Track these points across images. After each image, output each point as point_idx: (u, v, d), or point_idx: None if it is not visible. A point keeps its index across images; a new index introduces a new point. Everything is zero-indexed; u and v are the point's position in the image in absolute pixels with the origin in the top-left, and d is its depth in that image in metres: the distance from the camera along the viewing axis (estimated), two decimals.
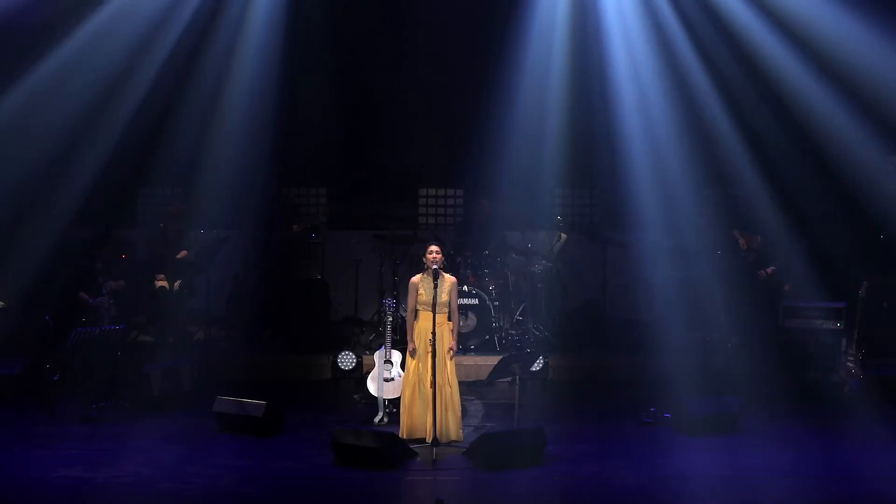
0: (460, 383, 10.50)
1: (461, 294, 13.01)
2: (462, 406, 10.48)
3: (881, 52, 13.32)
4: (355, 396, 12.31)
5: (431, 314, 10.20)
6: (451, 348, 10.26)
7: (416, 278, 10.45)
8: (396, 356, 11.21)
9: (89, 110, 13.88)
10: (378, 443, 9.62)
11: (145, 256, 13.83)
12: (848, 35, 13.35)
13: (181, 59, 14.18)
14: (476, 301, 13.46)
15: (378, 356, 11.31)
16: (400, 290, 13.25)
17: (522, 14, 14.37)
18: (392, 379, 11.14)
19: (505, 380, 12.06)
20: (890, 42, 13.25)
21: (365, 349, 13.39)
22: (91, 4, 13.69)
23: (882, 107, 13.37)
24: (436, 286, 10.24)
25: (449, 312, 10.37)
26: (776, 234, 13.58)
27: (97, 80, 13.85)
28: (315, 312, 14.64)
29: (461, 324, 12.59)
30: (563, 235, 14.36)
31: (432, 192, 16.06)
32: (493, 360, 12.06)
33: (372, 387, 11.29)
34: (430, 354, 10.06)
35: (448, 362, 10.22)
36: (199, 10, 14.12)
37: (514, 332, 13.82)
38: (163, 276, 13.63)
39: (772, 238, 13.54)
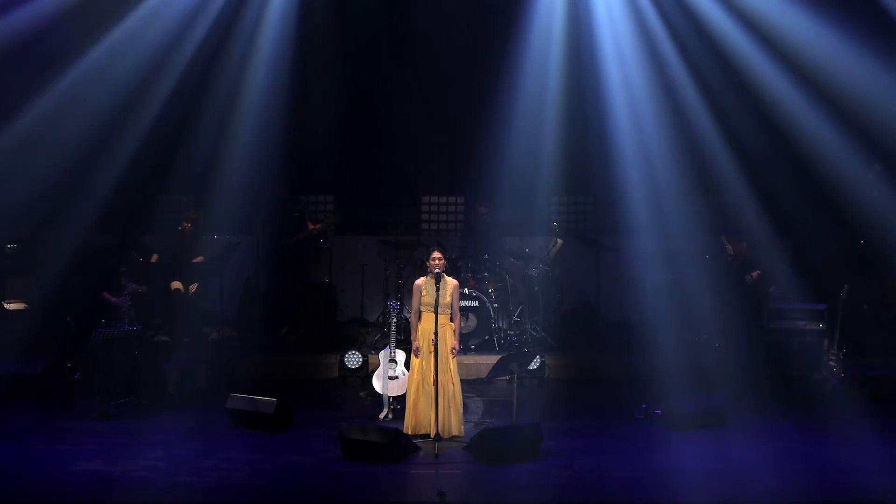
0: (462, 381, 10.49)
1: (462, 296, 13.03)
2: (463, 403, 10.48)
3: (863, 66, 13.35)
4: (361, 394, 12.33)
5: (434, 315, 10.23)
6: (453, 348, 10.28)
7: (419, 281, 10.47)
8: (400, 355, 11.22)
9: (108, 121, 13.91)
10: (383, 438, 9.63)
11: (162, 260, 13.83)
12: (831, 48, 13.38)
13: (196, 72, 14.21)
14: (476, 303, 13.47)
15: (383, 355, 11.31)
16: (404, 293, 13.27)
17: (520, 28, 14.40)
18: (396, 377, 11.15)
19: (504, 378, 12.06)
20: (871, 55, 13.29)
21: (370, 349, 13.40)
22: (109, 18, 13.73)
23: (863, 116, 13.38)
24: (438, 289, 10.25)
25: (451, 314, 10.39)
26: (762, 240, 13.58)
27: (115, 92, 13.90)
28: (323, 314, 14.63)
29: (462, 324, 12.58)
30: (559, 240, 14.37)
31: (434, 199, 16.07)
32: (492, 359, 12.07)
33: (377, 385, 11.29)
34: (432, 354, 10.08)
35: (450, 361, 10.23)
36: (212, 24, 14.15)
37: (512, 332, 13.83)
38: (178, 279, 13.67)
39: (757, 243, 13.54)
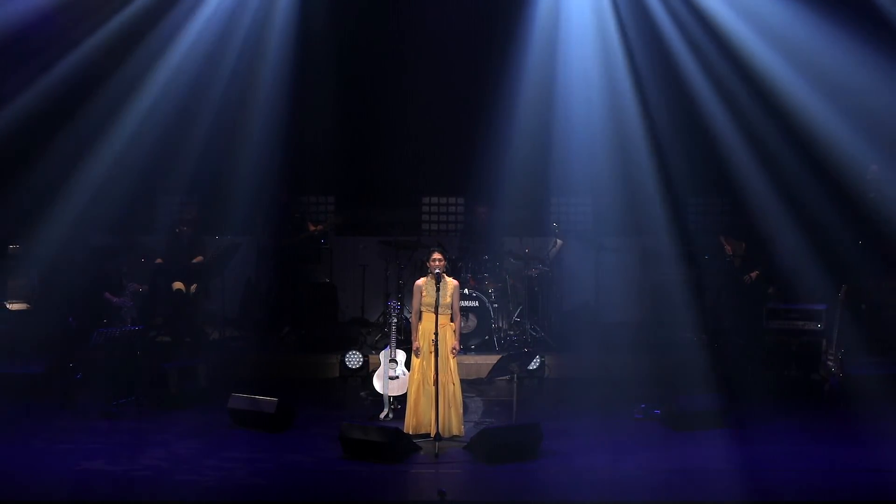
0: (462, 381, 10.50)
1: (462, 296, 13.03)
2: (463, 402, 10.48)
3: (865, 67, 13.35)
4: (362, 394, 12.32)
5: (434, 315, 10.22)
6: (453, 348, 10.27)
7: (420, 281, 10.47)
8: (401, 355, 11.22)
9: (110, 122, 13.91)
10: (383, 437, 9.62)
11: (163, 261, 13.83)
12: (837, 49, 13.38)
13: (197, 74, 14.21)
14: (476, 303, 13.46)
15: (383, 355, 11.31)
16: (404, 293, 13.27)
17: (520, 31, 14.40)
18: (397, 377, 11.15)
19: (504, 378, 12.06)
20: (875, 59, 13.30)
21: (371, 349, 13.40)
22: (108, 15, 13.73)
23: (862, 118, 13.38)
24: (438, 289, 10.25)
25: (451, 314, 10.39)
26: (761, 240, 13.56)
27: (116, 92, 13.90)
28: (324, 314, 14.64)
29: (462, 325, 12.57)
30: (559, 241, 14.36)
31: (434, 199, 16.08)
32: (492, 360, 12.08)
33: (378, 384, 11.29)
34: (433, 354, 10.08)
35: (450, 361, 10.23)
36: (212, 26, 14.14)
37: (512, 332, 13.82)
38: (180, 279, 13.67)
39: (757, 243, 13.53)
